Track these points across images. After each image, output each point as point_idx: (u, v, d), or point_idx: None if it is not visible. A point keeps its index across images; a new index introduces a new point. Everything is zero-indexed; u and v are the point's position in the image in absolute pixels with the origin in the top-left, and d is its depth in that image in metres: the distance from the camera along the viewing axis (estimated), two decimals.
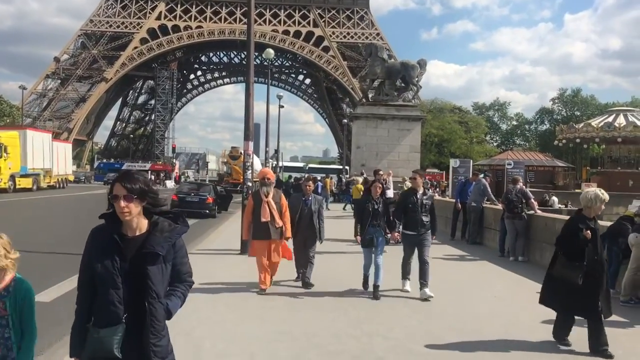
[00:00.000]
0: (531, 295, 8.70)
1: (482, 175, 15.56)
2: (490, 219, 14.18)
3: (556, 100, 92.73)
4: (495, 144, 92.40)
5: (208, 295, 7.88)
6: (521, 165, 32.07)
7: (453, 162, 31.83)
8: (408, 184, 16.83)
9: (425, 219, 8.20)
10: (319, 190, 36.27)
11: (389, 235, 9.09)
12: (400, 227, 8.54)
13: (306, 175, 12.58)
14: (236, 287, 8.77)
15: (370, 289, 8.25)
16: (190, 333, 6.07)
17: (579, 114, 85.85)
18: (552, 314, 7.36)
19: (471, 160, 33.41)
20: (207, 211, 22.46)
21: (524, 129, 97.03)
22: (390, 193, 15.86)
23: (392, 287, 8.58)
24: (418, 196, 8.24)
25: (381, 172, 13.26)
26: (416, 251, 8.36)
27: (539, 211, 12.08)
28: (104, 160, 75.99)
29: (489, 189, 14.60)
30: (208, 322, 6.66)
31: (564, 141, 45.50)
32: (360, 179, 26.36)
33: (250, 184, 12.14)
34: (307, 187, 8.98)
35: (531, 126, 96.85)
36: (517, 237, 11.92)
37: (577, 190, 39.72)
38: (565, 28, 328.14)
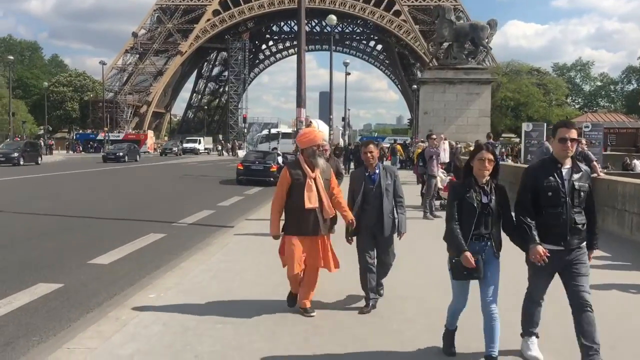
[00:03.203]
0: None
1: (545, 139, 14.97)
2: None
3: None
4: (577, 106, 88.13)
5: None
6: (600, 128, 30.30)
7: (525, 126, 30.64)
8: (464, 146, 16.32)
9: (580, 219, 4.26)
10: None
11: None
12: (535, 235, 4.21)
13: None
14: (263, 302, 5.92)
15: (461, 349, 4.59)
16: None
17: None
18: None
19: (545, 124, 31.98)
20: (272, 179, 22.91)
21: (609, 90, 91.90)
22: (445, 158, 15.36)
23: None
24: (564, 174, 4.23)
25: (433, 136, 12.96)
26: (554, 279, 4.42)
27: (602, 174, 11.55)
28: (80, 131, 77.18)
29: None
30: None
31: None
32: (425, 145, 26.01)
33: None
34: (368, 155, 5.78)
35: (617, 87, 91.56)
36: None
37: None
38: None
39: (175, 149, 64.41)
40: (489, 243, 4.34)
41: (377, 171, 5.81)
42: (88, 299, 6.51)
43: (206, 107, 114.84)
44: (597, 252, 8.88)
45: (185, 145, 69.72)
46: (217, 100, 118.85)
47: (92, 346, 4.72)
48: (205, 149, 72.87)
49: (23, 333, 5.35)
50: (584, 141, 12.04)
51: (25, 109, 78.10)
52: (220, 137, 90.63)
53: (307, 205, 5.48)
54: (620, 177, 12.51)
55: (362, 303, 5.88)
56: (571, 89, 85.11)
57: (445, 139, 15.12)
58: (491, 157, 4.33)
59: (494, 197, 4.32)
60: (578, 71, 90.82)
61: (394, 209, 5.80)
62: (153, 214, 13.82)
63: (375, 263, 5.85)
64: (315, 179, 5.58)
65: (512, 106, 69.10)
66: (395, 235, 5.90)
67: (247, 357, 4.59)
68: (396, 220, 5.80)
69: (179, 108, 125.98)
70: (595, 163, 11.45)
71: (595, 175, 11.49)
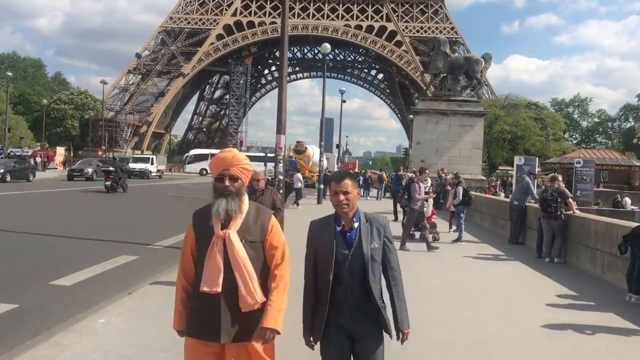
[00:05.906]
0: (542, 298, 8.16)
1: (525, 174, 15.02)
2: (532, 218, 13.67)
3: None
4: (574, 141, 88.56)
5: None
6: (591, 164, 30.38)
7: (517, 160, 30.79)
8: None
9: None
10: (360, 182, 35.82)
11: None
12: None
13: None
14: None
15: None
16: None
17: None
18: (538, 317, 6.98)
19: (537, 158, 32.14)
20: None
21: (607, 127, 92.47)
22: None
23: None
24: None
25: (427, 171, 12.79)
26: None
27: (577, 211, 11.54)
28: None
29: (532, 188, 14.05)
30: None
31: None
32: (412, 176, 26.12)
33: (280, 177, 12.19)
34: (341, 198, 3.08)
35: (614, 124, 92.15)
36: (553, 237, 11.44)
37: None
38: None
39: (89, 169, 40.53)
40: None
41: (355, 225, 3.14)
42: (40, 322, 6.43)
43: (206, 129, 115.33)
44: (564, 290, 8.56)
45: (132, 165, 50.17)
46: (218, 122, 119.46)
47: None
48: (158, 171, 55.67)
49: None
50: (560, 177, 12.05)
51: (25, 125, 78.50)
52: None
53: (202, 286, 3.04)
54: (593, 215, 12.50)
55: None
56: (569, 124, 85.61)
57: (443, 170, 15.38)
58: None
59: None
60: (576, 107, 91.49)
61: (391, 293, 3.19)
62: (128, 235, 13.68)
63: None
64: (227, 239, 3.04)
65: (509, 139, 69.48)
66: (391, 336, 3.16)
67: None
68: (389, 310, 3.14)
69: (179, 129, 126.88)
70: (570, 200, 11.46)
71: (570, 212, 11.50)
